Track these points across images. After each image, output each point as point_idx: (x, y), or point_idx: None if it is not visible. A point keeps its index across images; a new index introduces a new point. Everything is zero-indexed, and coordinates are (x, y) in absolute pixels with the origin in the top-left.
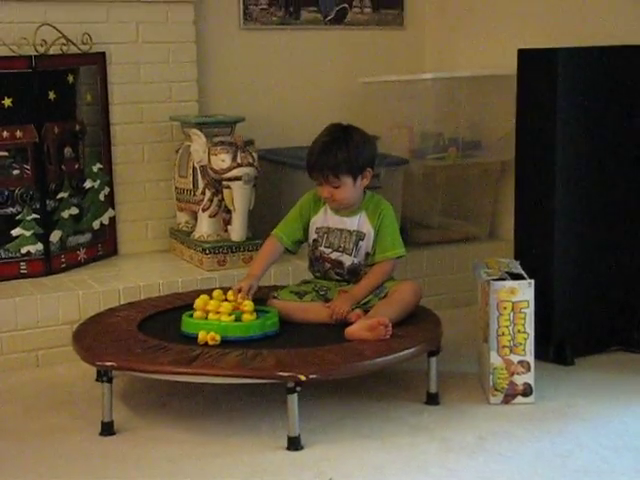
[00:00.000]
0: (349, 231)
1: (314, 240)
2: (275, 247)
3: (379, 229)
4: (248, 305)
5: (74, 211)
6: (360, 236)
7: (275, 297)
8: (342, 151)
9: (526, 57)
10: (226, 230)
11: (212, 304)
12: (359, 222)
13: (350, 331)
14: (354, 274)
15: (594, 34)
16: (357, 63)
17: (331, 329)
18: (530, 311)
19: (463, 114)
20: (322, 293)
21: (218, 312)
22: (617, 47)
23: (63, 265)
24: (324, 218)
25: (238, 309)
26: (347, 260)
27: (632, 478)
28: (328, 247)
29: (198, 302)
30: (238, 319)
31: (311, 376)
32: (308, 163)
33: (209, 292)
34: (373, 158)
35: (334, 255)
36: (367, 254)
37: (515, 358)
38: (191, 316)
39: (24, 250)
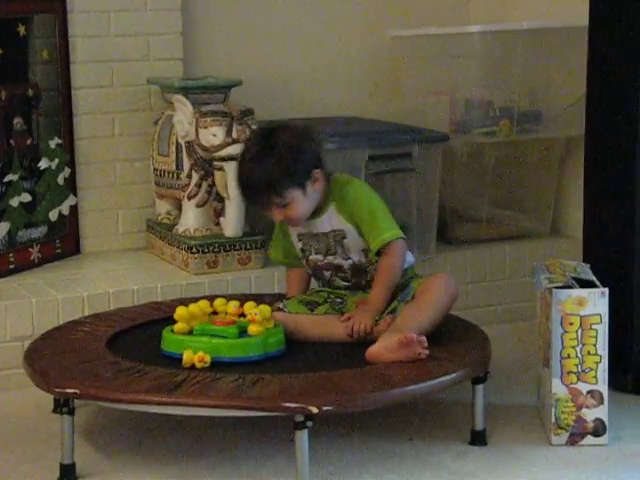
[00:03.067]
0: (324, 234)
1: (301, 250)
2: (294, 272)
3: (357, 218)
4: (264, 310)
5: (26, 198)
6: (341, 234)
7: (281, 309)
8: (274, 163)
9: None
10: (218, 223)
11: (196, 316)
12: (330, 220)
13: (372, 352)
14: (360, 275)
15: None
16: (385, 11)
17: (350, 348)
18: (603, 328)
19: (519, 77)
20: (337, 306)
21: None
22: None
23: (12, 266)
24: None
25: (231, 323)
26: (343, 262)
27: None
28: (317, 253)
29: (180, 312)
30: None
31: (325, 408)
32: (242, 190)
33: (195, 302)
34: (317, 156)
35: (328, 260)
36: (364, 250)
37: (584, 387)
38: (173, 331)
39: None
